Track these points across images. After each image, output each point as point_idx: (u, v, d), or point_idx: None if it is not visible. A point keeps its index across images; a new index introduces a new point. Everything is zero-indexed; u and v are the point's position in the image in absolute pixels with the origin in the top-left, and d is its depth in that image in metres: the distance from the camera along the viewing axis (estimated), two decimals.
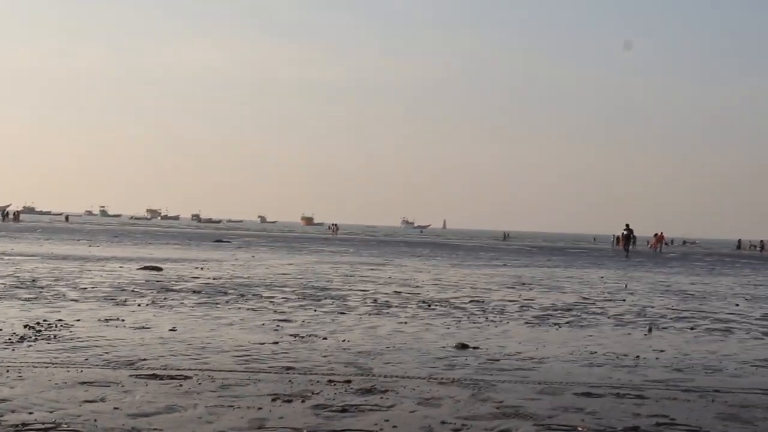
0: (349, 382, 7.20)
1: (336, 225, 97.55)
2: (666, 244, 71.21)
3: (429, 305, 14.60)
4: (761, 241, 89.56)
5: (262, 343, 9.36)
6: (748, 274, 32.68)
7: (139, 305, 12.88)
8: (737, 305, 17.21)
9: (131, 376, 7.16)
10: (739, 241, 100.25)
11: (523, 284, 21.15)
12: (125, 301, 13.33)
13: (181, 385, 6.81)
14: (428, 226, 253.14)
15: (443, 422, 5.85)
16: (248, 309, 12.95)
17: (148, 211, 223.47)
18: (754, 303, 17.98)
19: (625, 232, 50.93)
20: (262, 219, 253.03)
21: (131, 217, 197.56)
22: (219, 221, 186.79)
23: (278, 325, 11.05)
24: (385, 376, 7.56)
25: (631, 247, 52.55)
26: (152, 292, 15.01)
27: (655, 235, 68.69)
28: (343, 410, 6.10)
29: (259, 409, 6.05)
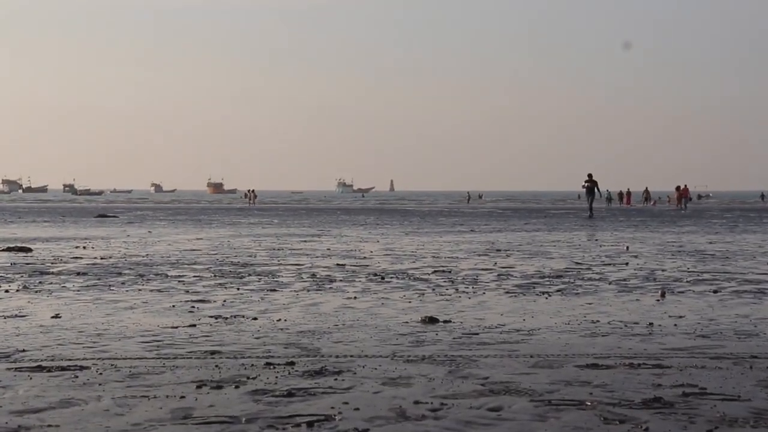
0: (292, 364, 7.26)
1: (253, 191, 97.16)
2: (690, 199, 71.74)
3: (382, 278, 14.70)
4: None
5: (175, 327, 9.37)
6: None
7: (6, 291, 12.77)
8: None
9: (9, 369, 7.13)
10: (763, 194, 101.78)
11: (498, 251, 21.37)
12: None
13: (76, 377, 6.81)
14: (371, 188, 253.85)
15: (417, 402, 5.95)
16: (152, 290, 12.92)
17: (4, 182, 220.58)
18: None
19: (587, 184, 47.16)
20: (157, 188, 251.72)
21: None
22: (100, 192, 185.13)
23: (193, 307, 11.06)
24: (337, 356, 7.64)
25: (596, 204, 50.09)
26: (22, 276, 14.87)
27: (677, 188, 69.11)
28: (289, 394, 6.17)
29: (182, 397, 6.09)
